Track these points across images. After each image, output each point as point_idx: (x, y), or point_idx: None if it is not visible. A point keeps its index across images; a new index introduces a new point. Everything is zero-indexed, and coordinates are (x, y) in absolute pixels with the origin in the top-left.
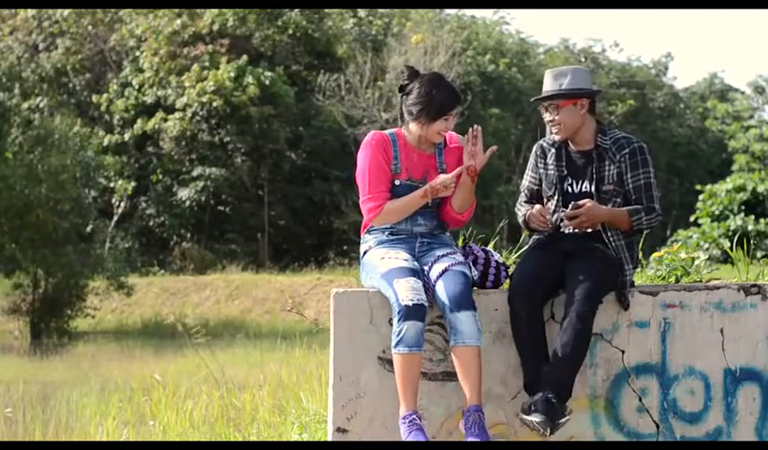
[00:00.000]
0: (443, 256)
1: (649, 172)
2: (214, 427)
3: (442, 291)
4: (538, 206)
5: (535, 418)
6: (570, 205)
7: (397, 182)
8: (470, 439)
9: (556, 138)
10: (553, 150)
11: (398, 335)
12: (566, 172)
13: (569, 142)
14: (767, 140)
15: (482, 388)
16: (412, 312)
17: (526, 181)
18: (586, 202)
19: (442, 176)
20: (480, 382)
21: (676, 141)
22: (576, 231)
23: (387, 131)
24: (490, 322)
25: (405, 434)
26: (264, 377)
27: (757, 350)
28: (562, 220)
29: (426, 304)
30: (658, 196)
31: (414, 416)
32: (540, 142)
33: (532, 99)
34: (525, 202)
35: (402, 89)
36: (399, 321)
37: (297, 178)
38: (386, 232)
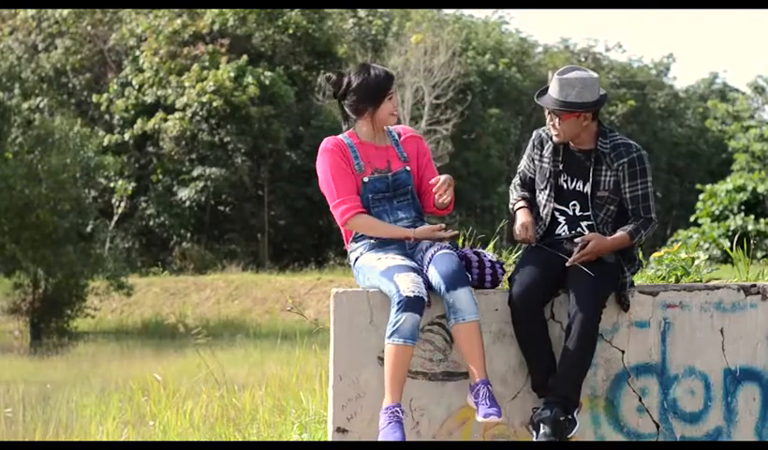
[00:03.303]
0: (429, 246)
1: (647, 181)
2: (214, 427)
3: (435, 272)
4: (523, 221)
5: (543, 440)
6: (577, 247)
7: (366, 179)
8: (484, 412)
9: (554, 140)
10: (550, 143)
11: (394, 325)
12: (561, 168)
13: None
14: (767, 140)
15: None
16: (412, 304)
17: (522, 165)
18: (590, 237)
19: (428, 228)
20: (484, 356)
21: (676, 141)
22: (573, 232)
23: (340, 135)
24: (490, 322)
25: (383, 424)
26: (264, 377)
27: (757, 350)
28: (544, 236)
29: (426, 299)
30: (654, 204)
31: (397, 409)
32: (540, 131)
33: (536, 97)
34: (519, 185)
35: (336, 95)
36: (398, 311)
37: (297, 178)
38: (373, 237)
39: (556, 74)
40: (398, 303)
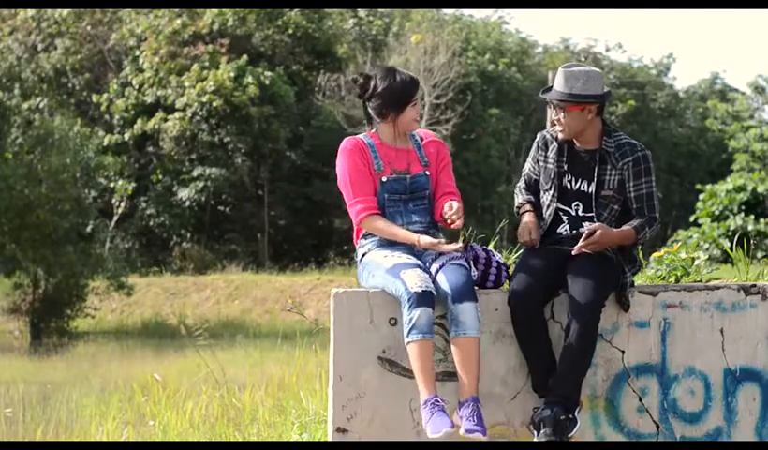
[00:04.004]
0: (440, 253)
1: (651, 181)
2: (214, 427)
3: (444, 281)
4: (527, 223)
5: (544, 439)
6: (584, 235)
7: (384, 179)
8: (468, 427)
9: (559, 137)
10: (555, 144)
11: (410, 322)
12: (565, 168)
13: (574, 140)
14: (767, 140)
15: (482, 388)
16: (422, 299)
17: (527, 168)
18: (597, 227)
19: (431, 241)
20: (479, 374)
21: (676, 141)
22: (574, 232)
23: (361, 135)
24: (490, 322)
25: (427, 417)
26: (264, 377)
27: (757, 350)
28: (545, 236)
29: (434, 292)
30: (658, 204)
31: (436, 399)
32: (544, 132)
33: (541, 93)
34: (524, 188)
35: (362, 97)
36: (410, 308)
37: (297, 178)
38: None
39: (561, 67)
40: (408, 300)
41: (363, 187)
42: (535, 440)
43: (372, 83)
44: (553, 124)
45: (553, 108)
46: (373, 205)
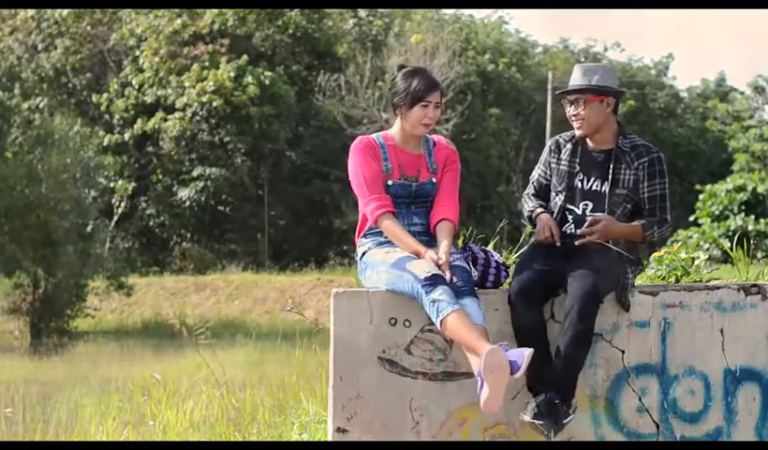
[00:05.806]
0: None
1: (665, 182)
2: (214, 427)
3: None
4: (547, 222)
5: (538, 421)
6: (587, 222)
7: (390, 182)
8: (516, 353)
9: (577, 133)
10: (569, 146)
11: (434, 303)
12: (578, 169)
13: (588, 140)
14: (767, 140)
15: None
16: (434, 280)
17: (536, 174)
18: (602, 217)
19: (433, 255)
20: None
21: (676, 141)
22: (578, 231)
23: (374, 135)
24: (490, 322)
25: (503, 354)
26: (264, 377)
27: (757, 350)
28: (565, 235)
29: (443, 277)
30: (669, 206)
31: (498, 344)
32: (557, 137)
33: (557, 92)
34: (533, 194)
35: (390, 88)
36: (428, 292)
37: (297, 178)
38: (383, 234)
39: (577, 65)
40: (423, 286)
41: (378, 184)
42: (527, 420)
43: (396, 76)
44: (553, 124)
45: (571, 104)
46: (388, 203)
